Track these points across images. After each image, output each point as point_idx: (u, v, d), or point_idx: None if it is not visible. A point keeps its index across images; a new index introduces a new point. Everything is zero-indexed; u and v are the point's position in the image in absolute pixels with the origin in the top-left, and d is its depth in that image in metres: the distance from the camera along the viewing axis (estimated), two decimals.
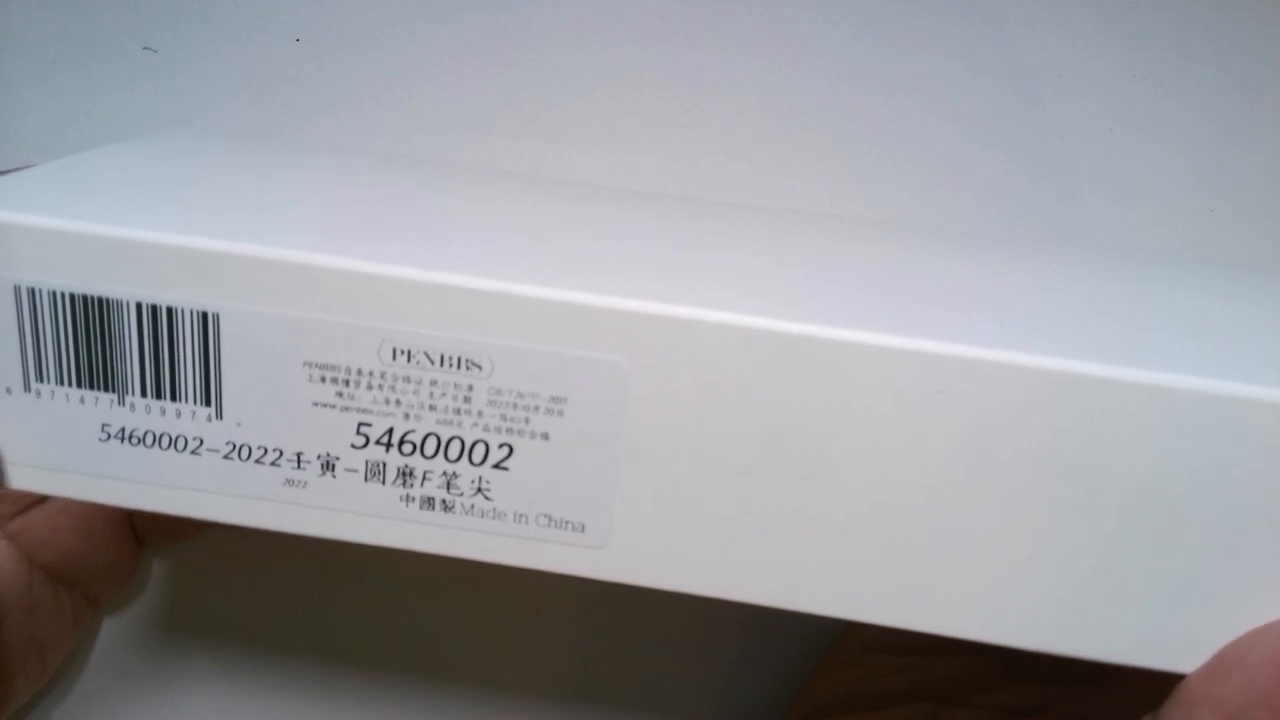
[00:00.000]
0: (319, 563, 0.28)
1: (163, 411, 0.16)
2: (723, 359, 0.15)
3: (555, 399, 0.15)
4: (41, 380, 0.17)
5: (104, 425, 0.17)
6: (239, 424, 0.16)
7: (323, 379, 0.16)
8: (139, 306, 0.16)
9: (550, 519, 0.16)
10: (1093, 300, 0.18)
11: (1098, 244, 0.27)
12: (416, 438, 0.16)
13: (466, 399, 0.15)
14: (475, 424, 0.15)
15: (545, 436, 0.15)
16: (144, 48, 0.28)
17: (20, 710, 0.27)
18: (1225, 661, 0.15)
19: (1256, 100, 0.26)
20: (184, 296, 0.16)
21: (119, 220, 0.16)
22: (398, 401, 0.16)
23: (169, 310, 0.16)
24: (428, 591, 0.28)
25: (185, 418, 0.16)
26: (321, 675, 0.28)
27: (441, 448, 0.16)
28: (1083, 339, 0.15)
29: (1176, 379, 0.14)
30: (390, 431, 0.16)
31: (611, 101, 0.27)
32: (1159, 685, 0.16)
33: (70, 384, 0.17)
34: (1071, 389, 0.14)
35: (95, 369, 0.16)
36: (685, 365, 0.15)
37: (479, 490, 0.16)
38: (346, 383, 0.16)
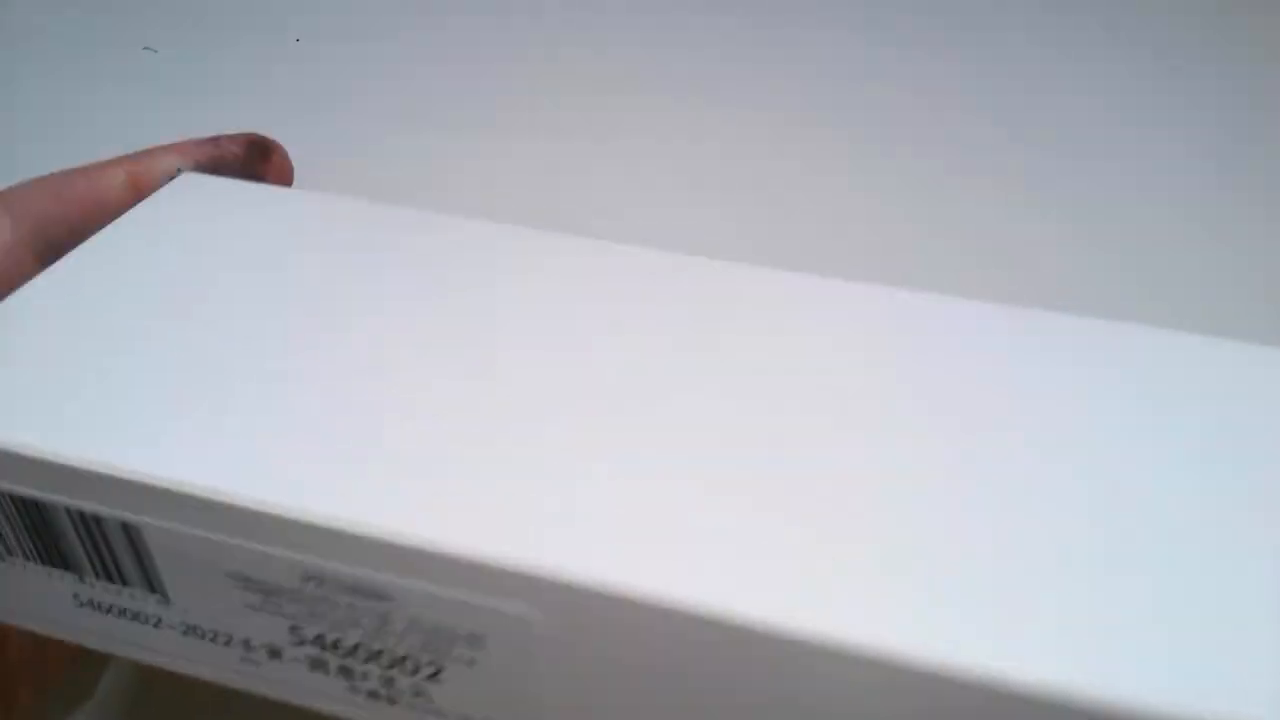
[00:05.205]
0: None
1: (118, 592, 0.17)
2: (637, 631, 0.13)
3: (473, 635, 0.14)
4: (11, 556, 0.17)
5: (75, 595, 0.17)
6: (186, 610, 0.16)
7: (247, 589, 0.15)
8: (67, 510, 0.16)
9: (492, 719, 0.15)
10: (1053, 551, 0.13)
11: (1099, 244, 0.25)
12: (347, 645, 0.15)
13: (385, 621, 0.15)
14: (399, 643, 0.15)
15: (470, 662, 0.15)
16: (144, 48, 0.27)
17: (20, 711, 0.29)
18: None
19: (1257, 100, 0.24)
20: (107, 508, 0.15)
21: (41, 433, 0.15)
22: (323, 615, 0.15)
23: (95, 517, 0.16)
24: None
25: (139, 599, 0.16)
26: None
27: (373, 656, 0.15)
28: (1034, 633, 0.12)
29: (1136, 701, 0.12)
30: (321, 636, 0.15)
31: (611, 101, 0.25)
32: None
33: (36, 561, 0.17)
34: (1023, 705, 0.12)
35: (53, 554, 0.17)
36: (598, 629, 0.13)
37: (418, 694, 0.15)
38: (270, 594, 0.15)
